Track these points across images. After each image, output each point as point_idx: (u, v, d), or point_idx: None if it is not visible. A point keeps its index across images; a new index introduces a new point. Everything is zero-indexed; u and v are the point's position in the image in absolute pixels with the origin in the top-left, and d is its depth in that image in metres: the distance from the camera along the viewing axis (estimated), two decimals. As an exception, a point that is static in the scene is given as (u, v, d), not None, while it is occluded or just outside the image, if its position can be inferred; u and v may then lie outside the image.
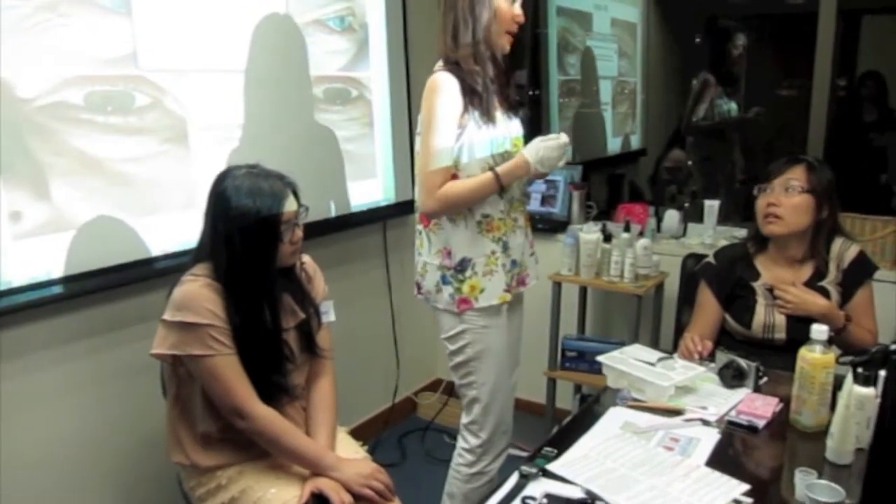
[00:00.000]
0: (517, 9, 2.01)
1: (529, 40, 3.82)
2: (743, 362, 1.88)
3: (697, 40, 5.22)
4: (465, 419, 2.16)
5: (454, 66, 1.98)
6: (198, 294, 1.69)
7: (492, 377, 2.09)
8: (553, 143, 1.96)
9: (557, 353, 3.02)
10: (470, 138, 1.96)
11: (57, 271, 2.01)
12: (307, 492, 1.73)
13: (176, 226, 2.25)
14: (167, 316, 1.70)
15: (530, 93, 3.80)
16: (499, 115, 2.02)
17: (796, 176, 2.06)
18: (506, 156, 2.01)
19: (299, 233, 1.78)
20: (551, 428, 3.00)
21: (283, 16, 2.57)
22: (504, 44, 2.02)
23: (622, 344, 2.78)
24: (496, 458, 2.20)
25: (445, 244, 2.04)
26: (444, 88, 1.94)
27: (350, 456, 1.89)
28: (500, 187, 1.98)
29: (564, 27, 4.19)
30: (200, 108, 2.31)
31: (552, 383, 3.07)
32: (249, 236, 1.70)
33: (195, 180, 2.24)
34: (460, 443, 2.19)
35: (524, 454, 3.04)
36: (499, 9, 1.97)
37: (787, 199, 2.06)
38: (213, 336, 1.68)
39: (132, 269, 2.17)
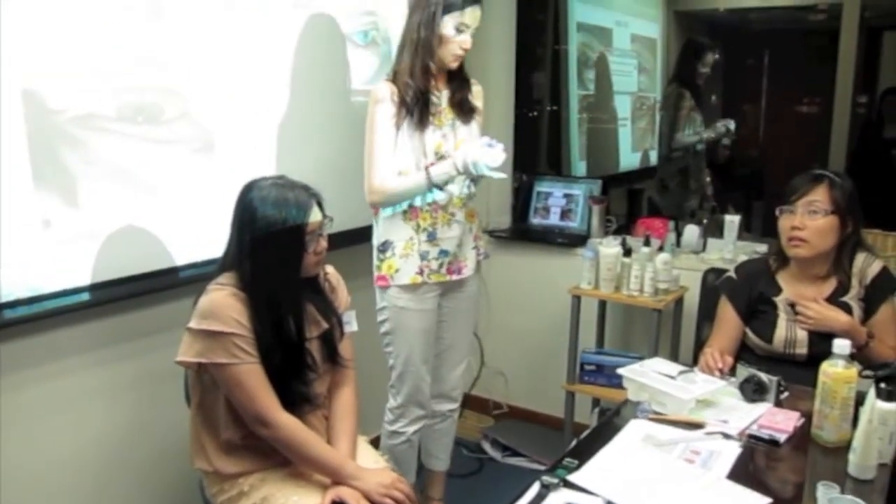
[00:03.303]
0: (463, 39, 2.20)
1: (550, 56, 3.84)
2: (764, 376, 1.88)
3: (717, 57, 5.23)
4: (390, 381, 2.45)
5: (393, 77, 2.27)
6: (223, 303, 1.72)
7: (404, 351, 2.36)
8: (481, 145, 2.12)
9: (576, 366, 3.02)
10: (404, 139, 2.24)
11: (85, 279, 2.05)
12: (328, 500, 1.74)
13: (202, 235, 2.28)
14: (193, 324, 1.73)
15: (549, 108, 3.81)
16: (444, 120, 2.29)
17: (819, 197, 2.04)
18: (444, 156, 2.26)
19: (323, 243, 1.80)
20: (570, 442, 2.99)
21: (314, 27, 2.61)
22: (449, 63, 2.24)
23: (641, 358, 2.78)
24: (411, 424, 2.45)
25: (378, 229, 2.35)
26: (377, 97, 2.25)
27: (370, 465, 1.90)
28: (432, 184, 2.19)
29: (584, 43, 4.21)
30: (228, 119, 2.35)
31: (570, 397, 3.07)
32: (274, 246, 1.72)
33: (222, 191, 2.27)
34: (388, 402, 2.48)
35: (544, 468, 3.06)
36: (444, 35, 2.19)
37: (812, 222, 2.04)
38: (238, 345, 1.70)
39: (158, 278, 2.20)
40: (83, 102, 1.99)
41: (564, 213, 3.44)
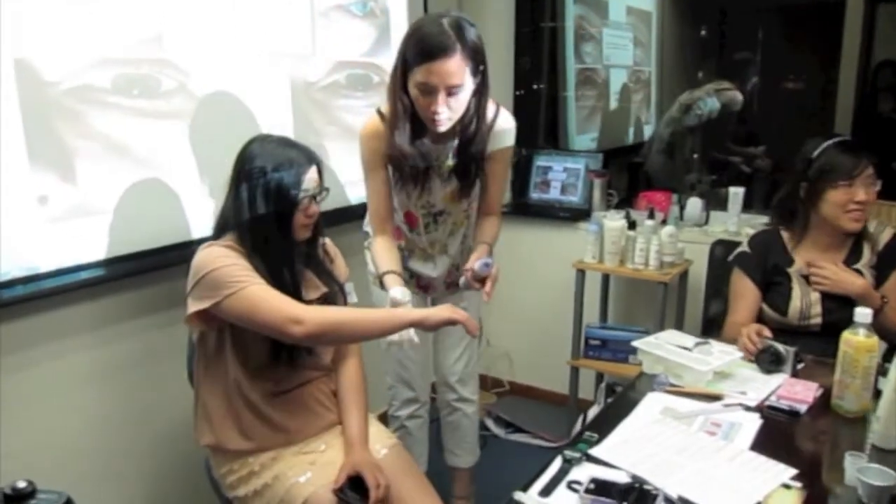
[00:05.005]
0: (434, 105, 1.79)
1: (548, 34, 3.78)
2: (781, 347, 1.86)
3: (703, 33, 5.19)
4: None
5: (381, 116, 1.97)
6: (214, 252, 1.67)
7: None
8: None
9: (580, 342, 3.00)
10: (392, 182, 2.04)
11: (85, 256, 1.99)
12: (343, 475, 1.71)
13: (200, 211, 2.23)
14: (189, 284, 1.68)
15: (535, 86, 3.75)
16: (443, 169, 2.00)
17: (871, 171, 2.03)
18: (427, 205, 2.08)
19: (315, 208, 1.75)
20: (575, 417, 2.98)
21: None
22: (431, 128, 1.88)
23: (646, 332, 2.76)
24: (402, 407, 2.38)
25: None
26: (362, 139, 2.01)
27: (382, 443, 1.88)
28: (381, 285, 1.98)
29: (581, 15, 4.16)
30: (226, 91, 2.29)
31: (575, 372, 3.05)
32: (266, 200, 1.68)
33: (220, 166, 2.22)
34: None
35: (550, 444, 3.06)
36: (414, 97, 1.83)
37: (869, 195, 2.03)
38: (239, 272, 1.64)
39: (159, 255, 2.15)
40: (78, 74, 1.92)
41: (565, 188, 3.40)
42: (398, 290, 1.88)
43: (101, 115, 1.98)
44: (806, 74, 4.66)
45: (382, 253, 2.02)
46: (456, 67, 1.74)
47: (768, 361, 1.86)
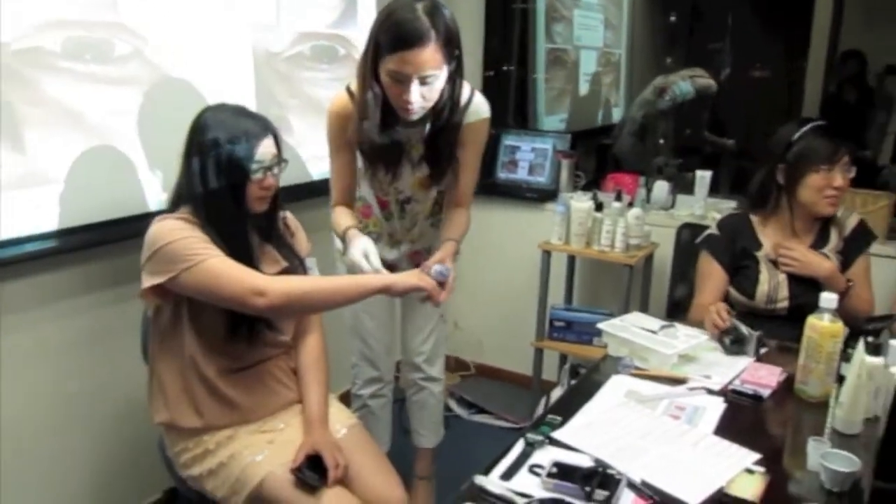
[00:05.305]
0: (406, 94, 1.70)
1: (518, 14, 3.72)
2: (744, 328, 1.86)
3: (673, 19, 5.19)
4: None
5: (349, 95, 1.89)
6: (168, 225, 1.62)
7: (350, 311, 2.23)
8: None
9: (545, 323, 2.98)
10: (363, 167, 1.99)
11: (34, 227, 1.91)
12: (302, 454, 1.67)
13: (156, 182, 2.15)
14: (144, 257, 1.62)
15: (505, 68, 3.69)
16: (413, 154, 1.94)
17: (848, 158, 2.03)
18: (395, 192, 2.03)
19: (271, 180, 1.68)
20: (538, 399, 2.97)
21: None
22: (402, 116, 1.79)
23: (611, 315, 2.75)
24: (365, 386, 2.35)
25: None
26: (330, 117, 1.93)
27: (342, 423, 1.84)
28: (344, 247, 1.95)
29: (553, -6, 4.11)
30: (184, 59, 2.21)
31: (539, 354, 3.03)
32: (220, 169, 1.62)
33: (178, 135, 2.15)
34: None
35: (513, 426, 3.05)
36: (385, 85, 1.74)
37: (846, 181, 2.04)
38: (195, 245, 1.58)
39: (115, 227, 2.07)
40: (27, 36, 1.83)
41: (533, 168, 3.36)
42: (363, 240, 1.84)
43: (51, 80, 1.89)
44: (773, 63, 4.68)
45: (341, 215, 1.99)
46: (430, 56, 1.66)
47: (731, 342, 1.86)
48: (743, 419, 1.59)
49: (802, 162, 2.04)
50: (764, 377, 1.72)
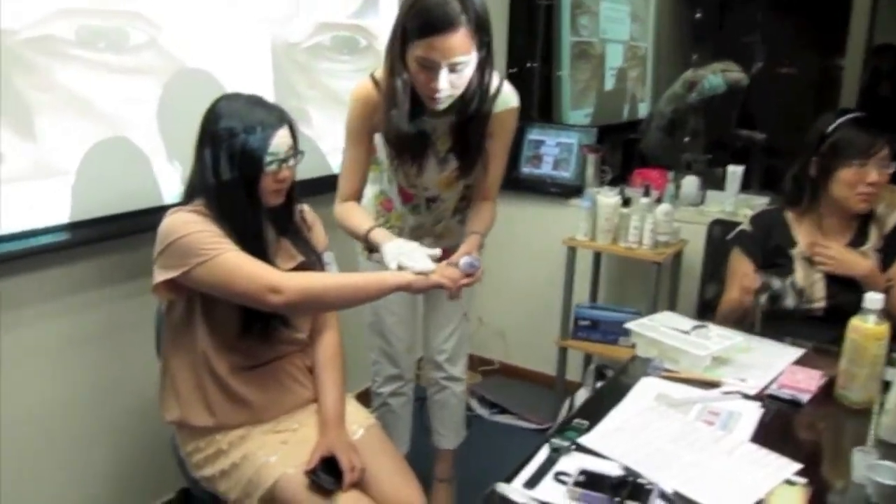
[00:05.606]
0: (434, 81, 1.62)
1: (543, 10, 3.64)
2: (776, 280, 1.79)
3: (698, 15, 5.07)
4: None
5: (374, 83, 1.82)
6: (181, 218, 1.57)
7: (371, 307, 2.16)
8: (422, 254, 1.66)
9: (569, 321, 2.90)
10: (378, 145, 1.92)
11: (45, 220, 1.86)
12: (317, 456, 1.62)
13: (171, 174, 2.10)
14: (156, 251, 1.57)
15: (529, 64, 3.61)
16: (439, 147, 1.87)
17: (887, 152, 1.93)
18: (420, 187, 1.96)
19: (287, 172, 1.62)
20: (562, 400, 2.89)
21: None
22: (429, 105, 1.72)
23: (638, 314, 2.67)
24: (385, 384, 2.28)
25: None
26: (352, 102, 1.86)
27: (360, 423, 1.78)
28: (368, 248, 1.87)
29: (579, -15, 4.03)
30: (201, 48, 2.15)
31: (563, 353, 2.95)
32: (233, 161, 1.56)
33: (194, 127, 2.09)
34: None
35: (535, 426, 2.98)
36: (410, 69, 1.66)
37: (882, 177, 1.94)
38: (210, 239, 1.53)
39: (128, 220, 2.03)
40: (39, 23, 1.78)
41: (557, 163, 3.28)
42: (394, 243, 1.70)
43: (63, 68, 1.85)
44: (805, 57, 4.56)
45: (355, 212, 1.90)
46: (460, 42, 1.58)
47: (769, 301, 1.81)
48: (781, 426, 1.50)
49: (835, 155, 1.95)
50: (802, 381, 1.63)
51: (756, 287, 1.81)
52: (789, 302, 1.77)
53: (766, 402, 1.57)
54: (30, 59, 1.78)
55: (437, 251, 1.67)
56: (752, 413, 1.52)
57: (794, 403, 1.57)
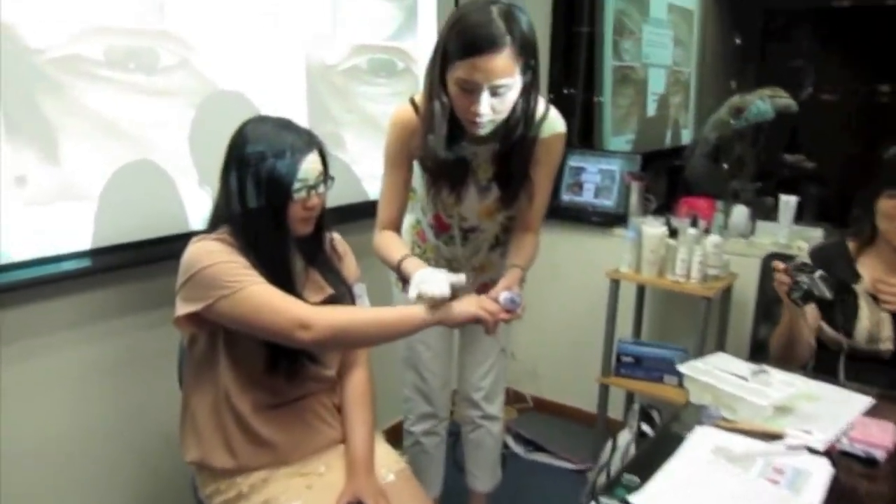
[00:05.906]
0: (475, 105, 1.54)
1: (585, 37, 3.55)
2: (803, 276, 1.70)
3: (738, 42, 4.95)
4: None
5: (414, 107, 1.74)
6: (206, 248, 1.48)
7: (405, 340, 2.06)
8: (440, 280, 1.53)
9: (611, 357, 2.76)
10: (416, 173, 1.83)
11: (67, 245, 1.80)
12: (343, 502, 1.52)
13: (199, 200, 2.02)
14: (179, 282, 1.49)
15: (569, 91, 3.52)
16: (480, 175, 1.78)
17: None
18: (458, 218, 1.88)
19: (316, 200, 1.53)
20: (603, 440, 2.74)
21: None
22: (469, 130, 1.63)
23: (686, 351, 2.53)
24: (419, 422, 2.19)
25: None
26: (391, 127, 1.78)
27: (389, 468, 1.68)
28: (402, 279, 1.73)
29: (621, 10, 3.93)
30: (231, 69, 2.09)
31: (604, 390, 2.82)
32: (260, 187, 1.47)
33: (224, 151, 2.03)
34: None
35: (574, 467, 2.84)
36: (450, 91, 1.58)
37: None
38: (236, 270, 1.45)
39: (153, 247, 1.95)
40: (67, 43, 1.73)
41: (599, 191, 3.17)
42: (420, 273, 1.58)
43: (90, 89, 1.79)
44: (852, 84, 4.41)
45: (391, 242, 1.80)
46: (504, 64, 1.49)
47: (801, 299, 1.73)
48: (856, 487, 1.36)
49: (879, 185, 1.83)
50: (876, 435, 1.48)
51: (786, 289, 1.71)
52: (825, 292, 1.63)
53: (837, 458, 1.43)
54: (56, 79, 1.72)
55: (462, 277, 1.55)
56: (822, 471, 1.37)
57: (869, 461, 1.42)
